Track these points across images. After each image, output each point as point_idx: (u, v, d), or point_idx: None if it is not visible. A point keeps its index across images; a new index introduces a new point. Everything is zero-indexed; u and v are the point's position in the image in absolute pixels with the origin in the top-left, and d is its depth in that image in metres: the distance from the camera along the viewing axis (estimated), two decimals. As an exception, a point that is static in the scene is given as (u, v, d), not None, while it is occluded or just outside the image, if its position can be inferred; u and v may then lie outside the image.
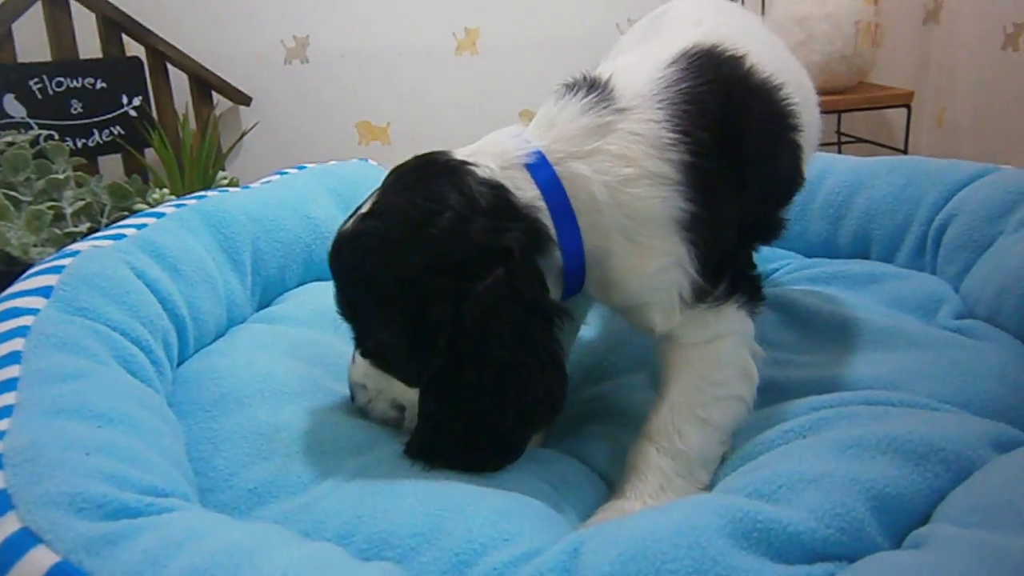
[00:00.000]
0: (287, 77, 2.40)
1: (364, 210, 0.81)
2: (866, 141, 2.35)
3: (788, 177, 0.94)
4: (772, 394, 0.93)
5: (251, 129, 2.14)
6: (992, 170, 1.23)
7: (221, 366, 1.00)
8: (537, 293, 0.77)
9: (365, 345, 0.86)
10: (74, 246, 1.06)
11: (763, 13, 2.12)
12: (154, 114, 2.04)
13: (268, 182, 1.41)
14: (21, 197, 1.34)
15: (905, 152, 2.15)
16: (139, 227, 1.13)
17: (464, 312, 0.73)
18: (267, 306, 1.28)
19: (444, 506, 0.73)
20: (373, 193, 0.83)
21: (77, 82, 1.85)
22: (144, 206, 1.57)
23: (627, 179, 0.78)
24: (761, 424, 0.86)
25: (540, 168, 0.80)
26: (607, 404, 1.00)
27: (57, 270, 0.95)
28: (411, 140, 2.39)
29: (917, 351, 0.97)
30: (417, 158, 0.84)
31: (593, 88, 0.82)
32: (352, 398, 0.92)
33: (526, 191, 0.79)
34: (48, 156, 1.52)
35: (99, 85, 1.89)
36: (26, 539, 0.56)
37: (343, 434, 0.89)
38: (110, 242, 1.07)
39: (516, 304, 0.74)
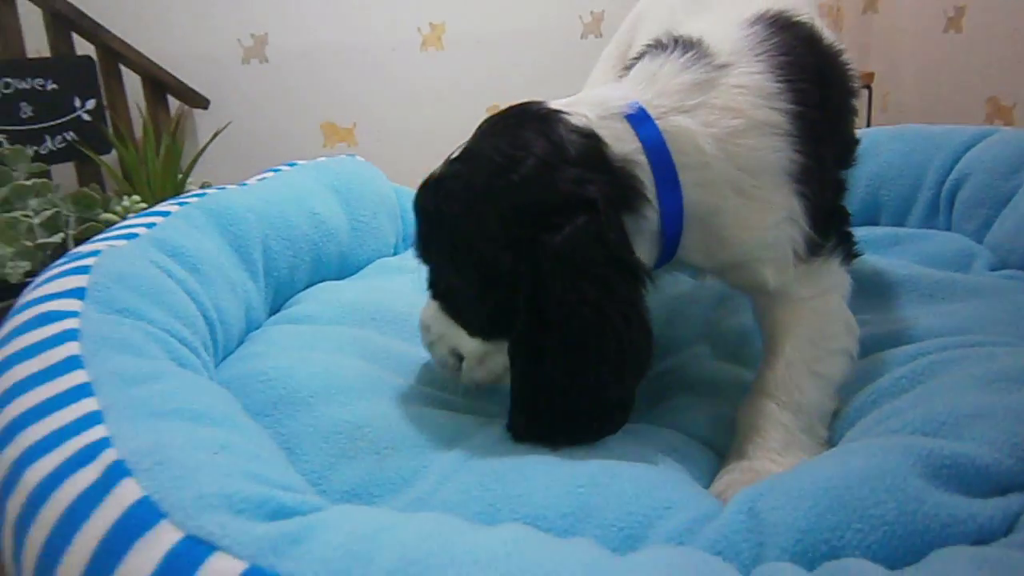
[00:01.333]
0: (245, 78, 2.26)
1: (454, 155, 0.78)
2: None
3: (852, 138, 0.96)
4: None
5: (223, 130, 1.98)
6: (991, 132, 1.29)
7: (268, 368, 0.91)
8: (622, 247, 0.72)
9: (437, 287, 0.84)
10: (85, 247, 0.95)
11: None
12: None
13: (264, 179, 1.32)
14: (-20, 208, 1.19)
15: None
16: (148, 226, 1.03)
17: (543, 265, 0.69)
18: (278, 310, 1.20)
19: (581, 483, 0.68)
20: (466, 140, 0.80)
21: (26, 83, 1.65)
22: (112, 216, 1.43)
23: (736, 130, 0.76)
24: (862, 377, 0.85)
25: (642, 121, 0.76)
26: (683, 376, 0.98)
27: (83, 270, 0.85)
28: (378, 140, 2.31)
29: (977, 299, 0.99)
30: (511, 107, 0.81)
31: (688, 47, 0.81)
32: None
33: (625, 143, 0.75)
34: (6, 162, 1.36)
35: (50, 86, 1.70)
36: (196, 548, 0.48)
37: (430, 426, 0.83)
38: (124, 242, 0.97)
39: (598, 255, 0.70)
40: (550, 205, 0.71)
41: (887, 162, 1.35)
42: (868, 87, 2.18)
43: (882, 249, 1.23)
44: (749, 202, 0.78)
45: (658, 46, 0.83)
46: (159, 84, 2.01)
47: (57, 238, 1.32)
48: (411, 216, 0.87)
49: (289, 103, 2.33)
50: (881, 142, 1.38)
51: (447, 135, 0.89)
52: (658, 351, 1.04)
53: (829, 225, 0.83)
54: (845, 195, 0.97)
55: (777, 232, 0.79)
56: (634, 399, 0.79)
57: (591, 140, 0.74)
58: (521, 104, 0.80)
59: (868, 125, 2.24)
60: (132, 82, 2.02)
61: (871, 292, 1.08)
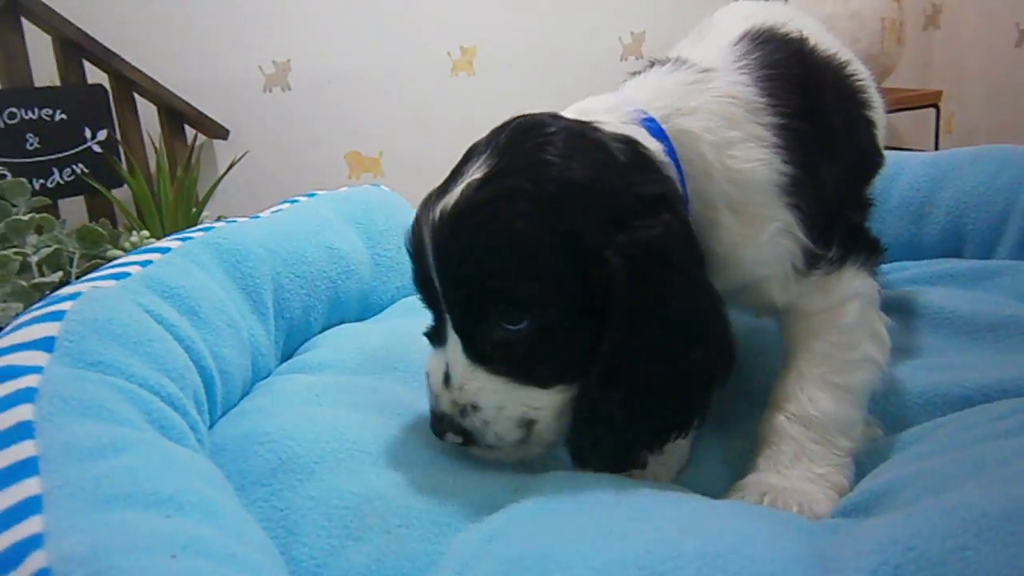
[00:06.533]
0: (267, 106, 2.18)
1: (477, 176, 0.68)
2: (893, 148, 2.28)
3: (868, 151, 0.94)
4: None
5: (240, 160, 1.90)
6: (1091, 149, 1.14)
7: (270, 427, 0.79)
8: (698, 243, 0.72)
9: (480, 345, 0.70)
10: (67, 289, 0.84)
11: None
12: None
13: (279, 211, 1.22)
14: (-25, 245, 1.10)
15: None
16: (143, 264, 0.92)
17: (637, 264, 0.65)
18: (291, 356, 1.08)
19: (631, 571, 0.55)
20: (472, 162, 0.70)
21: (33, 113, 1.58)
22: (119, 253, 1.34)
23: (732, 141, 0.74)
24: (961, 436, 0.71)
25: (653, 123, 0.74)
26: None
27: (55, 316, 0.74)
28: (406, 170, 2.22)
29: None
30: (514, 121, 0.73)
31: (667, 62, 0.81)
32: (439, 429, 0.74)
33: (653, 144, 0.73)
34: (5, 196, 1.28)
35: (58, 117, 1.63)
36: None
37: (451, 497, 0.70)
38: (112, 282, 0.86)
39: (689, 250, 0.69)
40: (631, 206, 0.67)
41: (971, 186, 1.21)
42: (936, 106, 2.02)
43: (970, 284, 1.09)
44: (741, 218, 0.76)
45: (633, 74, 0.85)
46: (175, 114, 1.93)
47: (55, 277, 1.23)
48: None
49: (312, 132, 2.24)
50: (962, 164, 1.24)
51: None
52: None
53: (830, 235, 0.78)
54: (868, 213, 0.95)
55: (773, 247, 0.76)
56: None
57: (632, 144, 0.71)
58: (524, 118, 0.73)
59: (936, 148, 2.09)
60: (148, 112, 1.95)
61: (971, 334, 0.94)
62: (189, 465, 0.60)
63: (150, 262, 0.93)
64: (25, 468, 0.52)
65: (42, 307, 0.77)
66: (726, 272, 0.77)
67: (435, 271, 0.70)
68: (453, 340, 0.72)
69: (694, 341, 0.68)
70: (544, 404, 0.70)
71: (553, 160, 0.67)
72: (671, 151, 0.73)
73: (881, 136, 0.97)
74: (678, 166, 0.73)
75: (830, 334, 0.78)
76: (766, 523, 0.61)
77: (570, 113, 0.75)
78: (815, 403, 0.76)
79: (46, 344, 0.69)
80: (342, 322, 1.19)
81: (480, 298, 0.68)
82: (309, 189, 1.40)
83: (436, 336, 0.75)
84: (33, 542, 0.45)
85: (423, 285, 0.74)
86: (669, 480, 0.85)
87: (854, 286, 0.79)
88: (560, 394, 0.71)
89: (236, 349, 0.93)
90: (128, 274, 0.88)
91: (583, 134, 0.70)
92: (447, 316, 0.72)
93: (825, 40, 0.91)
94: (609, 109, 0.75)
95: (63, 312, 0.75)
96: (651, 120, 0.74)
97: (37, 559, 0.43)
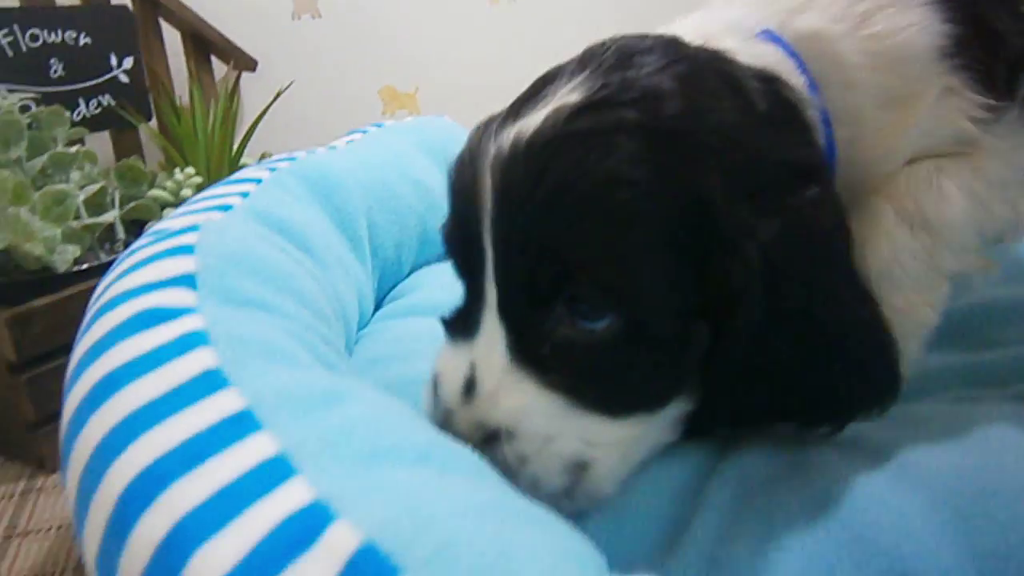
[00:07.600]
0: (295, 36, 1.99)
1: (572, 101, 0.48)
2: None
3: None
4: None
5: (285, 91, 1.73)
6: None
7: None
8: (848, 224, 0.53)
9: (548, 337, 0.49)
10: (173, 222, 0.73)
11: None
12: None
13: (353, 141, 1.11)
14: (15, 178, 0.95)
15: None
16: (241, 195, 0.81)
17: (784, 262, 0.46)
18: (383, 298, 0.99)
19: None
20: (559, 83, 0.51)
21: (56, 36, 1.40)
22: (162, 193, 1.20)
23: (867, 14, 0.57)
24: None
25: (778, 40, 0.57)
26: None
27: (184, 250, 0.63)
28: (443, 107, 2.08)
29: None
30: (618, 41, 0.54)
31: None
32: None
33: (793, 77, 0.56)
34: (42, 126, 1.13)
35: (83, 40, 1.46)
36: None
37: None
38: (219, 214, 0.75)
39: (844, 238, 0.51)
40: (772, 176, 0.48)
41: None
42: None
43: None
44: (893, 109, 0.58)
45: None
46: (202, 42, 1.76)
47: (109, 216, 1.10)
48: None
49: (344, 65, 2.06)
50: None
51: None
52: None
53: (1013, 86, 0.59)
54: None
55: (933, 115, 0.58)
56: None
57: (773, 85, 0.54)
58: (635, 37, 0.54)
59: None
60: (172, 41, 1.78)
61: None
62: (404, 413, 0.50)
63: (247, 193, 0.82)
64: (244, 423, 0.42)
65: (157, 241, 0.66)
66: (875, 169, 0.61)
67: (490, 223, 0.49)
68: (492, 331, 0.50)
69: (850, 368, 0.50)
70: (608, 440, 0.49)
71: (680, 96, 0.48)
72: (803, 71, 0.56)
73: None
74: (812, 86, 0.56)
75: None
76: None
77: (688, 32, 0.56)
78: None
79: (187, 281, 0.59)
80: (427, 263, 1.09)
81: (550, 272, 0.47)
82: (341, 127, 1.28)
83: (462, 323, 0.52)
84: (316, 513, 0.35)
85: (463, 243, 0.52)
86: None
87: None
88: (633, 427, 0.50)
89: (349, 290, 0.83)
90: (231, 206, 0.78)
91: (713, 66, 0.52)
92: (487, 294, 0.50)
93: None
94: (728, 28, 0.57)
95: (191, 245, 0.64)
96: (772, 35, 0.58)
97: (342, 535, 0.34)
